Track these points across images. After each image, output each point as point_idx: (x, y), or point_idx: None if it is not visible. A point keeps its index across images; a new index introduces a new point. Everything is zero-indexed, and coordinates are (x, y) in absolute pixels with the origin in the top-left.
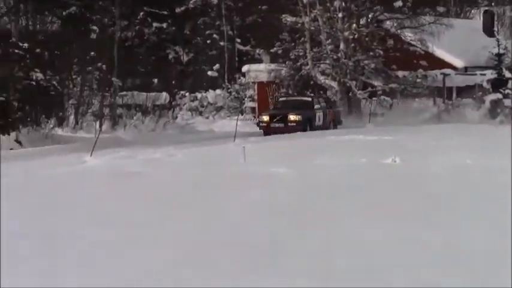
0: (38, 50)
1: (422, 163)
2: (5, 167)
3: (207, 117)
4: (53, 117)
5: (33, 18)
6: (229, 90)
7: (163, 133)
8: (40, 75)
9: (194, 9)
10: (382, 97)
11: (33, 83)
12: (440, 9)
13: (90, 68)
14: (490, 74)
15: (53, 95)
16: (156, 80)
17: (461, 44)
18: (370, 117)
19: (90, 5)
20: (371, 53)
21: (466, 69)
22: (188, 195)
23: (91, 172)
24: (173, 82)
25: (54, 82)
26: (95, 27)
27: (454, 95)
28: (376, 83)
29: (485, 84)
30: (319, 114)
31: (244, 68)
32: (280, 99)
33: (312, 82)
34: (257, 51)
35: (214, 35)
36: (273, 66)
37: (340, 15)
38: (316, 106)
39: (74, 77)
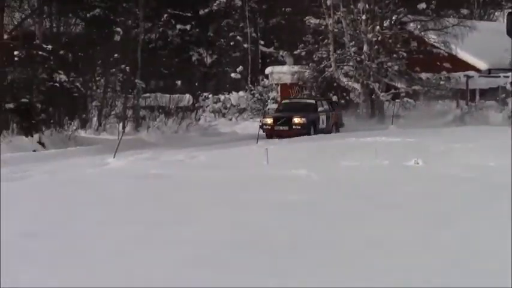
0: (61, 52)
1: (445, 165)
2: (28, 168)
3: (230, 119)
4: (76, 119)
5: (57, 20)
6: (252, 92)
7: (186, 135)
8: (64, 77)
9: (218, 11)
10: (405, 99)
11: (57, 84)
12: (464, 11)
13: (113, 70)
14: None
15: (77, 97)
16: (179, 82)
17: (484, 46)
18: (393, 119)
19: (114, 7)
20: (394, 55)
21: (489, 71)
22: (211, 196)
23: (114, 174)
24: (196, 84)
25: (78, 84)
26: (118, 29)
27: (477, 97)
28: (399, 85)
29: (508, 86)
30: (323, 117)
31: (268, 70)
32: (283, 101)
33: (335, 84)
34: (280, 53)
35: (238, 37)
36: (296, 68)
37: (363, 17)
38: (320, 109)
39: (97, 78)
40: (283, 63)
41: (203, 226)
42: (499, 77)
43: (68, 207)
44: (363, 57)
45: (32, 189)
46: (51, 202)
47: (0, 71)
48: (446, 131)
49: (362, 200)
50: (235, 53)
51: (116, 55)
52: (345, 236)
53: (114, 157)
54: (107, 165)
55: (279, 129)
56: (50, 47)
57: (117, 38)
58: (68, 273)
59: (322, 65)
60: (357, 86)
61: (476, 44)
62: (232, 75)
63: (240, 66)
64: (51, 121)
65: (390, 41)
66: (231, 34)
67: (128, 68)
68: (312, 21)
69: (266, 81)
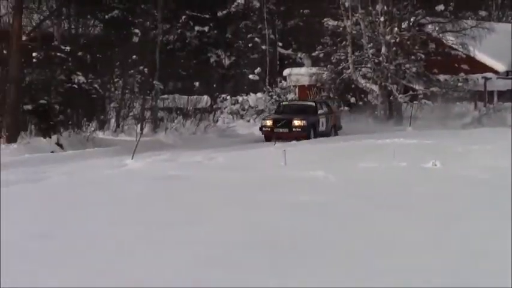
0: (80, 54)
1: (463, 167)
2: (46, 170)
3: (248, 121)
4: (94, 121)
5: (75, 21)
6: (270, 94)
7: (204, 136)
8: (82, 79)
9: (236, 13)
10: (423, 101)
11: (75, 86)
12: (482, 13)
13: (131, 71)
14: None
15: (95, 98)
16: (197, 84)
17: (503, 48)
18: (411, 121)
19: (133, 9)
20: (412, 57)
21: (507, 73)
22: (228, 198)
23: (132, 175)
24: (214, 85)
25: (96, 85)
26: (137, 31)
27: (495, 99)
28: (417, 87)
29: None
30: (323, 120)
31: (286, 72)
32: (283, 103)
33: (353, 86)
34: (298, 54)
35: (256, 39)
36: (314, 69)
37: (382, 19)
38: (319, 111)
39: (115, 80)
40: (301, 65)
41: (220, 227)
42: None
43: (85, 208)
44: (381, 59)
45: (49, 190)
46: (69, 203)
47: (18, 72)
48: (464, 133)
49: (379, 201)
50: (253, 55)
51: (134, 56)
52: (358, 238)
53: (132, 158)
54: (125, 166)
55: (279, 131)
56: (68, 48)
57: (136, 39)
58: (81, 273)
59: (340, 67)
60: (375, 87)
61: (495, 46)
62: (250, 76)
63: (258, 68)
64: (69, 122)
65: (408, 42)
66: (249, 36)
67: (146, 69)
68: (330, 23)
69: (284, 83)
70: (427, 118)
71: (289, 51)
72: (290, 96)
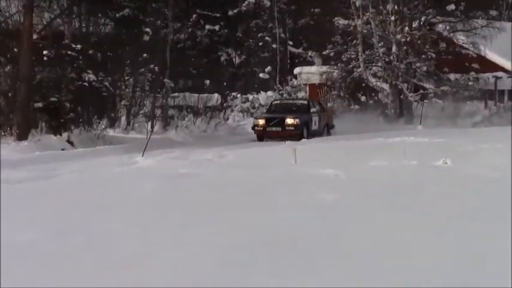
0: (90, 52)
1: (473, 165)
2: (57, 167)
3: None
4: (105, 118)
5: (86, 20)
6: (280, 92)
7: (215, 134)
8: (92, 77)
9: (247, 12)
10: (434, 100)
11: (86, 84)
12: (493, 12)
13: (142, 69)
14: None
15: (105, 96)
16: (208, 82)
17: None
18: (421, 120)
19: (144, 7)
20: (423, 56)
21: None
22: (239, 196)
23: (142, 173)
24: (225, 84)
25: (107, 83)
26: (147, 29)
27: (506, 97)
28: (427, 86)
29: None
30: (315, 118)
31: (296, 70)
32: (274, 102)
33: (363, 84)
34: (309, 53)
35: (267, 38)
36: (324, 68)
37: (392, 18)
38: (312, 109)
39: (126, 78)
40: (311, 63)
41: (230, 226)
42: None
43: (95, 206)
44: (391, 57)
45: (60, 188)
46: (79, 201)
47: (29, 70)
48: (475, 132)
49: (389, 200)
50: (264, 54)
51: (144, 55)
52: (367, 237)
53: (142, 156)
54: (135, 164)
55: (271, 130)
56: (79, 46)
57: (146, 38)
58: (91, 272)
59: (351, 66)
60: (386, 86)
61: (505, 45)
62: (261, 75)
63: (269, 67)
64: (80, 120)
65: (419, 41)
66: (259, 34)
67: (156, 67)
68: (341, 22)
69: (294, 82)
70: (437, 117)
71: (300, 50)
72: (300, 94)
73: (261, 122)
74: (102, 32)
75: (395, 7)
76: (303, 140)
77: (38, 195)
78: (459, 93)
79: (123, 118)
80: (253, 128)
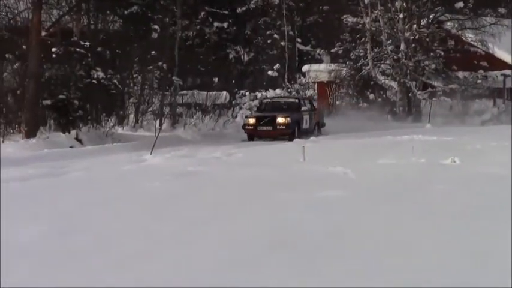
0: (99, 49)
1: (482, 163)
2: (65, 165)
3: None
4: (113, 116)
5: (94, 17)
6: (289, 90)
7: (223, 132)
8: (101, 74)
9: (255, 9)
10: (442, 98)
11: (94, 81)
12: (502, 10)
13: (151, 67)
14: None
15: (114, 94)
16: (216, 79)
17: None
18: (430, 118)
19: (152, 5)
20: (431, 54)
21: None
22: (248, 194)
23: (151, 170)
24: (233, 81)
25: (115, 81)
26: (156, 27)
27: None
28: (436, 84)
29: None
30: (306, 117)
31: (305, 68)
32: (264, 100)
33: (372, 82)
34: (317, 51)
35: (275, 35)
36: (333, 66)
37: (401, 15)
38: (303, 108)
39: (134, 75)
40: (320, 61)
41: (239, 224)
42: None
43: (103, 204)
44: (400, 55)
45: (68, 185)
46: (87, 198)
47: (38, 67)
48: (483, 130)
49: (397, 198)
50: (272, 51)
51: (153, 52)
52: (375, 235)
53: (151, 154)
54: (144, 162)
55: (262, 129)
56: (87, 44)
57: (155, 35)
58: (100, 270)
59: (359, 63)
60: (394, 84)
61: None
62: (269, 73)
63: (277, 64)
64: (88, 117)
65: (427, 39)
66: (268, 32)
67: (165, 65)
68: (349, 19)
69: (303, 79)
70: (446, 115)
71: (308, 48)
72: (309, 92)
73: (252, 121)
74: (110, 29)
75: (404, 5)
76: (312, 137)
77: (45, 193)
78: (467, 91)
79: (132, 116)
80: (243, 127)
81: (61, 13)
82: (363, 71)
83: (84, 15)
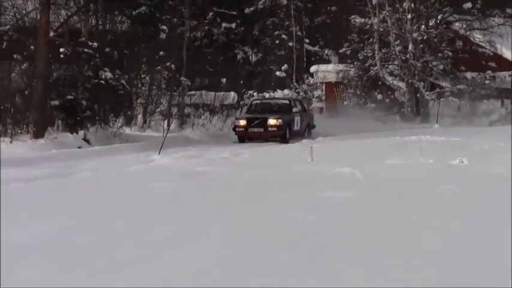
0: (107, 50)
1: (489, 164)
2: (73, 165)
3: None
4: (121, 116)
5: (103, 17)
6: (297, 91)
7: (231, 133)
8: (109, 75)
9: (263, 10)
10: (450, 98)
11: (102, 82)
12: (510, 10)
13: (159, 67)
14: None
15: (122, 94)
16: (224, 80)
17: None
18: (438, 118)
19: (160, 5)
20: (439, 54)
21: None
22: (255, 194)
23: (159, 171)
24: (241, 82)
25: (123, 81)
26: (164, 27)
27: None
28: (444, 84)
29: None
30: (297, 119)
31: (313, 69)
32: (254, 101)
33: (380, 83)
34: (325, 51)
35: (283, 36)
36: (341, 66)
37: (409, 16)
38: (294, 109)
39: (142, 76)
40: (328, 61)
41: (247, 224)
42: None
43: (111, 204)
44: (408, 56)
45: (76, 185)
46: (95, 199)
47: (46, 68)
48: (491, 130)
49: (405, 198)
50: (280, 52)
51: (161, 53)
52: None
53: (159, 154)
54: (152, 162)
55: (253, 131)
56: (95, 44)
57: (163, 35)
58: (107, 269)
59: (367, 64)
60: (402, 84)
61: None
62: (277, 73)
63: (285, 65)
64: (96, 118)
65: (435, 40)
66: (276, 32)
67: (173, 65)
68: (357, 20)
69: (311, 80)
70: (453, 115)
71: (316, 48)
72: (317, 93)
73: (242, 122)
74: (118, 30)
75: (412, 5)
76: (319, 138)
77: (52, 193)
78: (475, 92)
79: (140, 116)
80: (234, 129)
81: (69, 13)
82: (371, 71)
83: (92, 15)
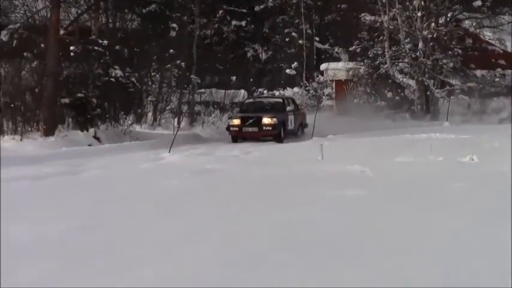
0: (117, 47)
1: (500, 162)
2: (83, 163)
3: None
4: (132, 114)
5: (113, 15)
6: (307, 88)
7: None
8: (119, 72)
9: (273, 8)
10: (460, 96)
11: (113, 79)
12: None
13: (169, 65)
14: None
15: (132, 92)
16: (234, 78)
17: None
18: (448, 116)
19: (170, 3)
20: (449, 52)
21: None
22: (266, 192)
23: (169, 169)
24: (251, 80)
25: (133, 79)
26: (174, 25)
27: None
28: (454, 82)
29: None
30: (291, 117)
31: (323, 66)
32: (247, 100)
33: (390, 80)
34: (335, 49)
35: (293, 33)
36: (351, 64)
37: (419, 14)
38: (288, 108)
39: (152, 74)
40: (338, 59)
41: (257, 222)
42: None
43: (122, 202)
44: (418, 54)
45: (86, 183)
46: (106, 196)
47: (56, 66)
48: (501, 128)
49: (415, 196)
50: (291, 49)
51: (171, 51)
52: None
53: (169, 152)
54: (162, 160)
55: (247, 130)
56: (105, 42)
57: (173, 33)
58: (118, 267)
59: (377, 62)
60: (412, 82)
61: None
62: (287, 71)
63: (295, 63)
64: (107, 116)
65: (445, 38)
66: (286, 30)
67: (183, 63)
68: (367, 18)
69: (321, 78)
70: (463, 113)
71: (326, 46)
72: (327, 91)
73: (236, 121)
74: (128, 28)
75: (422, 3)
76: (329, 136)
77: (63, 191)
78: (485, 90)
79: (150, 114)
80: (227, 129)
81: (79, 11)
82: (381, 69)
83: (102, 13)
